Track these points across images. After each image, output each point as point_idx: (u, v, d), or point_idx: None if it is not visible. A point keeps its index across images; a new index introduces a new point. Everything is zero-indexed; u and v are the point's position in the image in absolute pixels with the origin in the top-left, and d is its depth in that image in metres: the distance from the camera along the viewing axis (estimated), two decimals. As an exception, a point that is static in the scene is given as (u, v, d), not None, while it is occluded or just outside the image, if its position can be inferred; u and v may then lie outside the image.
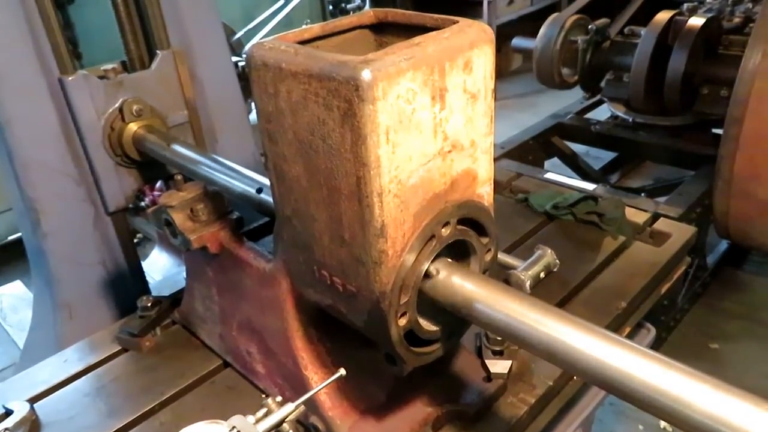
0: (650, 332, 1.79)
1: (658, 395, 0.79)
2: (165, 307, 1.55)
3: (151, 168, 1.79)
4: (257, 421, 0.87)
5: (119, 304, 1.86)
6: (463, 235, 1.02)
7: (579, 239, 1.80)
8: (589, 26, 3.80)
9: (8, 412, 1.34)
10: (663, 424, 3.08)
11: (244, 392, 1.37)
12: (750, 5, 4.12)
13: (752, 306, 3.65)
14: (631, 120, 3.70)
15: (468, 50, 0.89)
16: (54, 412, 1.36)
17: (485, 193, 1.04)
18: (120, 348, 1.53)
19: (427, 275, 0.97)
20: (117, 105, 1.67)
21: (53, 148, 1.62)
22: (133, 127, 1.69)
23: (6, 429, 1.28)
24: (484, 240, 1.07)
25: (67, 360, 1.52)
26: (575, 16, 3.85)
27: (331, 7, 5.13)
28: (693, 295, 3.50)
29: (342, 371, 0.98)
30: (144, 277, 1.95)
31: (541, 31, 3.89)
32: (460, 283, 0.98)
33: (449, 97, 0.89)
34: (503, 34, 6.48)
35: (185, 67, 1.79)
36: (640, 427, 3.07)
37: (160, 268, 2.72)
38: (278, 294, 1.16)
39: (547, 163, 4.20)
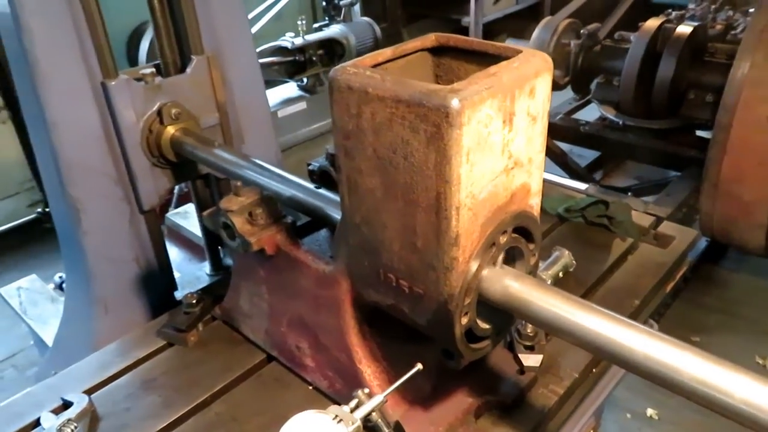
0: (654, 327, 1.93)
1: (699, 384, 0.91)
2: (208, 303, 1.62)
3: (183, 168, 1.85)
4: (352, 410, 0.96)
5: (150, 300, 1.92)
6: (516, 242, 1.13)
7: (589, 241, 1.92)
8: (581, 30, 3.94)
9: (66, 404, 1.41)
10: (649, 412, 3.25)
11: (291, 384, 1.46)
12: (731, 13, 4.31)
13: (730, 301, 3.86)
14: (621, 122, 3.85)
15: (533, 78, 0.99)
16: (110, 404, 1.43)
17: (535, 204, 1.15)
18: (164, 343, 1.60)
19: (486, 278, 1.08)
20: (155, 108, 1.73)
21: (95, 149, 1.67)
22: (170, 129, 1.75)
23: (69, 420, 1.34)
24: (531, 246, 1.18)
25: (114, 354, 1.58)
26: (567, 20, 3.99)
27: (324, 3, 5.18)
28: (675, 290, 3.69)
29: (419, 365, 1.08)
30: (172, 273, 2.01)
31: (535, 33, 4.03)
32: (515, 286, 1.08)
33: (516, 120, 0.99)
34: (489, 32, 6.62)
35: (218, 71, 1.85)
36: (628, 415, 3.24)
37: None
38: (338, 294, 1.25)
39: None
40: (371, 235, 1.11)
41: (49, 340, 2.20)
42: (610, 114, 3.93)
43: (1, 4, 1.52)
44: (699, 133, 3.92)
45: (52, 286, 2.66)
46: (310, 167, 1.62)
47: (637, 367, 0.96)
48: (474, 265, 1.04)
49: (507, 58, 1.03)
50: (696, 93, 3.57)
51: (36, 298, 2.35)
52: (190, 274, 2.26)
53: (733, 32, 3.94)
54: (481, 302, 1.11)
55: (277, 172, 1.56)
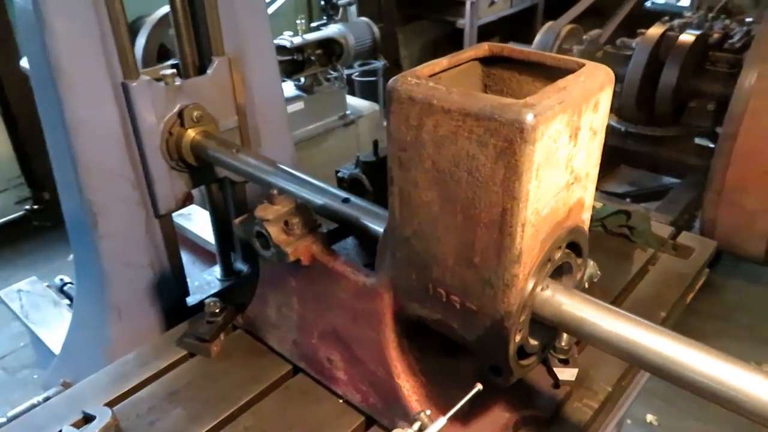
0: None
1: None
2: (231, 312, 1.58)
3: (201, 172, 1.81)
4: (417, 433, 0.93)
5: (163, 305, 1.87)
6: (567, 257, 1.11)
7: (610, 250, 1.91)
8: (584, 36, 3.95)
9: (88, 417, 1.36)
10: (649, 418, 3.28)
11: (320, 397, 1.42)
12: (727, 22, 4.35)
13: (726, 307, 3.90)
14: (624, 129, 3.87)
15: (598, 92, 0.97)
16: (133, 417, 1.38)
17: (586, 218, 1.13)
18: (185, 353, 1.56)
19: (542, 296, 1.06)
20: (176, 110, 1.68)
21: (115, 152, 1.62)
22: (191, 133, 1.70)
23: (93, 434, 1.29)
24: (579, 260, 1.16)
25: (133, 364, 1.53)
26: (570, 26, 4.00)
27: (322, 2, 5.13)
28: (673, 296, 3.72)
29: (479, 386, 1.05)
30: (185, 279, 1.96)
31: (537, 38, 4.03)
32: (568, 302, 1.06)
33: (580, 134, 0.97)
34: (483, 34, 6.63)
35: (239, 73, 1.81)
36: (628, 421, 3.26)
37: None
38: (379, 307, 1.22)
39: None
40: (423, 249, 1.08)
41: (53, 345, 2.13)
42: (612, 120, 3.95)
43: (22, 1, 1.47)
44: (697, 140, 3.96)
45: (45, 284, 2.58)
46: (340, 174, 1.58)
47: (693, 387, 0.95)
48: (531, 282, 1.02)
49: (567, 69, 1.01)
50: (698, 102, 3.60)
51: (38, 301, 2.28)
52: (200, 278, 2.21)
53: (730, 41, 3.98)
54: (531, 318, 1.09)
55: (307, 179, 1.52)
